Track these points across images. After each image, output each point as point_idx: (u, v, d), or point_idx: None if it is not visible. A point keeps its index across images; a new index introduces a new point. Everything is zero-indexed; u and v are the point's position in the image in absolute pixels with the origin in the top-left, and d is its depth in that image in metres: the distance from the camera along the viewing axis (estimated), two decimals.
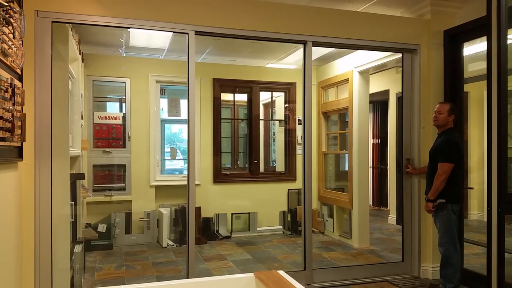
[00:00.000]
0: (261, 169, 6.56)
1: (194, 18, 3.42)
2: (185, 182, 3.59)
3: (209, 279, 1.71)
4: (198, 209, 5.50)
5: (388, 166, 7.29)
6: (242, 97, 6.69)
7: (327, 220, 6.10)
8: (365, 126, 5.45)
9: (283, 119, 6.65)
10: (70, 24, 3.50)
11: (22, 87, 2.60)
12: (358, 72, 5.34)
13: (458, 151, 3.43)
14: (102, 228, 5.23)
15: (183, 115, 6.00)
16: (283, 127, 6.66)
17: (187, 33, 3.43)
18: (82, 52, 4.97)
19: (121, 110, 5.97)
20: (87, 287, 3.89)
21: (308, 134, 3.86)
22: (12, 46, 2.28)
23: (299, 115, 6.19)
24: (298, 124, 6.25)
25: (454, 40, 4.00)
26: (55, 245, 3.11)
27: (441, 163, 3.41)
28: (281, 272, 1.64)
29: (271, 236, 5.99)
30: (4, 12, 2.10)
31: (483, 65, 3.04)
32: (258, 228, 6.11)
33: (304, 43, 3.80)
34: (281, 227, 6.26)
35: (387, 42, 4.01)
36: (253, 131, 6.42)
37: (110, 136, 5.77)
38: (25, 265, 2.93)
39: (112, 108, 6.20)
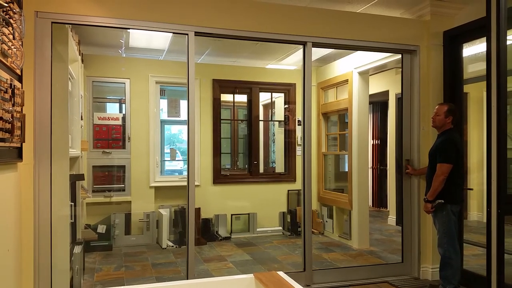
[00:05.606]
0: (261, 170, 6.56)
1: (194, 19, 3.43)
2: (185, 183, 3.59)
3: (209, 280, 1.71)
4: (197, 210, 5.50)
5: (388, 167, 7.29)
6: (242, 98, 6.69)
7: (326, 221, 6.09)
8: (365, 127, 5.45)
9: (283, 120, 6.65)
10: (70, 25, 3.50)
11: (21, 88, 2.60)
12: (357, 73, 5.35)
13: (457, 151, 3.42)
14: (101, 229, 5.23)
15: (183, 116, 6.00)
16: (283, 128, 6.65)
17: (187, 34, 3.43)
18: (82, 53, 4.97)
19: (120, 111, 5.97)
20: None
21: (308, 135, 3.87)
22: (12, 47, 2.28)
23: (298, 116, 6.19)
24: (298, 125, 6.25)
25: (453, 41, 4.00)
26: (54, 246, 3.11)
27: (440, 163, 3.40)
28: (281, 273, 1.64)
29: (271, 237, 5.98)
30: (4, 13, 2.10)
31: (482, 66, 3.04)
32: (257, 229, 6.11)
33: (304, 44, 3.81)
34: (280, 228, 6.25)
35: (387, 43, 4.01)
36: (253, 132, 6.42)
37: (110, 137, 5.77)
38: (24, 266, 2.92)
39: (112, 109, 6.20)
